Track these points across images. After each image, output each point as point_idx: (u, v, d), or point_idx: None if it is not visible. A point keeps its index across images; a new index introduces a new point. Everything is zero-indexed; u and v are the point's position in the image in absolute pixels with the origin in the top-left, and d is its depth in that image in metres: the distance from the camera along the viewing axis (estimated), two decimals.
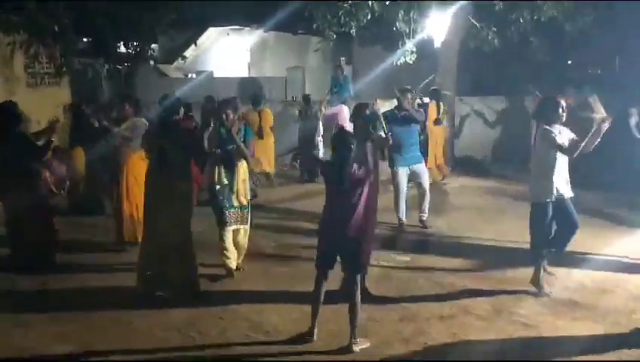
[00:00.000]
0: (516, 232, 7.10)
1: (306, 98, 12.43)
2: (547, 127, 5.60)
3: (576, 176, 5.94)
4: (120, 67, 14.08)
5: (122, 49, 14.15)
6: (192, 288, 5.71)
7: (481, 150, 13.65)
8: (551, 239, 5.75)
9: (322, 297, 4.77)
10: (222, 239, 6.13)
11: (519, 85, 13.05)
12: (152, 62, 15.68)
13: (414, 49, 12.36)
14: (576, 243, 5.96)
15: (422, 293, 5.80)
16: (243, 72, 19.10)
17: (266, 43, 19.99)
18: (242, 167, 6.24)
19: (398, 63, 12.70)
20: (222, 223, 6.14)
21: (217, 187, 6.11)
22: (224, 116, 6.14)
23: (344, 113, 11.74)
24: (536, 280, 5.72)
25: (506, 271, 6.37)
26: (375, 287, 5.76)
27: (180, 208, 5.66)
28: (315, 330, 4.76)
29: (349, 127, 6.44)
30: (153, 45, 15.28)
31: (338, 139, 4.77)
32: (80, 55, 13.19)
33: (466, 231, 8.06)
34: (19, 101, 11.34)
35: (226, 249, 6.14)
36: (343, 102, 12.66)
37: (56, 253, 6.69)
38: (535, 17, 11.69)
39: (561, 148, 5.49)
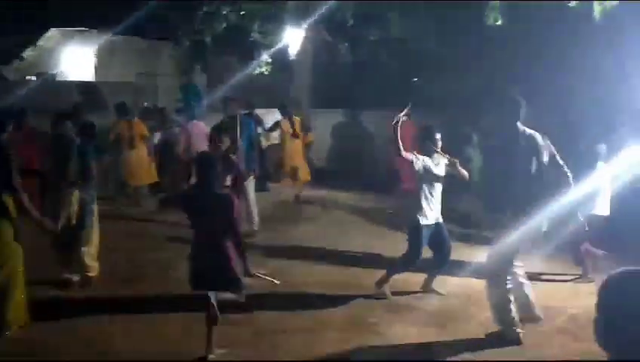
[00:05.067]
0: (363, 242, 7.25)
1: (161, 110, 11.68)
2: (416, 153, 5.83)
3: None
4: None
5: None
6: None
7: (335, 163, 13.87)
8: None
9: None
10: None
11: (368, 100, 13.47)
12: None
13: (270, 60, 12.40)
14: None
15: (277, 305, 5.69)
16: (89, 76, 18.05)
17: (114, 46, 19.05)
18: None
19: (254, 74, 12.67)
20: None
21: None
22: None
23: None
24: (382, 284, 5.98)
25: (360, 280, 6.47)
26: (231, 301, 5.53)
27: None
28: None
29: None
30: None
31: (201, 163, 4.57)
32: None
33: (321, 241, 8.11)
34: None
35: None
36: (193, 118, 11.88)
37: None
38: (384, 36, 12.22)
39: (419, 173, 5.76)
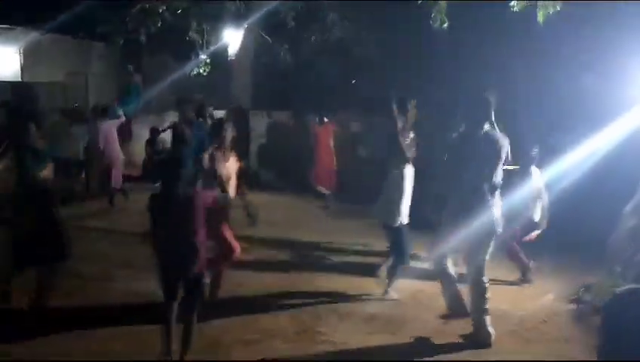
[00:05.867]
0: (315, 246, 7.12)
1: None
2: None
3: None
4: None
5: None
6: None
7: (272, 164, 13.67)
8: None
9: None
10: None
11: (307, 101, 13.35)
12: None
13: (208, 60, 12.09)
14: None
15: (223, 316, 5.46)
16: (14, 77, 17.12)
17: (40, 45, 18.15)
18: None
19: (192, 74, 12.33)
20: None
21: None
22: None
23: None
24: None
25: (309, 285, 6.34)
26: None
27: None
28: None
29: None
30: None
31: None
32: None
33: (264, 246, 7.92)
34: None
35: None
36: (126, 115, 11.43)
37: None
38: (325, 38, 12.13)
39: None
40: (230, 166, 5.55)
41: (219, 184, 5.36)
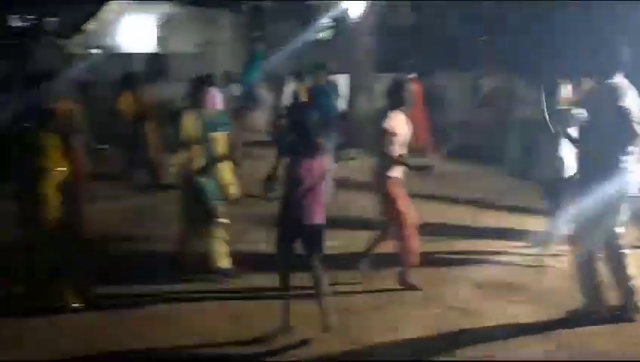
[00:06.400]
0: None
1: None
2: None
3: None
4: (15, 42, 12.96)
5: (18, 23, 13.03)
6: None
7: None
8: None
9: None
10: None
11: (432, 63, 12.98)
12: (50, 37, 14.55)
13: (332, 24, 12.06)
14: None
15: (353, 281, 5.52)
16: (150, 48, 18.13)
17: (174, 17, 19.03)
18: None
19: (315, 39, 12.37)
20: None
21: None
22: None
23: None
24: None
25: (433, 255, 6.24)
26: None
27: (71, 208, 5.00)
28: None
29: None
30: (52, 19, 14.16)
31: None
32: None
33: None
34: None
35: None
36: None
37: None
38: None
39: None
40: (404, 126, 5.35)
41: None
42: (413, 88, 10.27)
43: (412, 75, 10.42)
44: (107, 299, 5.10)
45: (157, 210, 7.79)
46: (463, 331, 4.62)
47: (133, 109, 8.97)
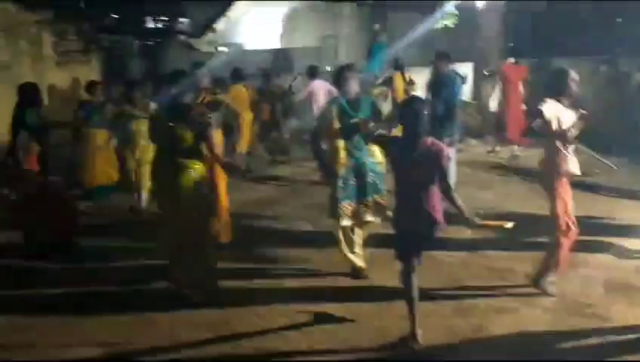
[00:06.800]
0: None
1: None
2: None
3: None
4: (150, 43, 13.76)
5: (151, 24, 13.81)
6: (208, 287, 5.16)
7: None
8: None
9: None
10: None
11: (564, 48, 12.17)
12: (182, 37, 15.30)
13: (455, 11, 11.67)
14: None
15: (477, 282, 5.28)
16: (274, 44, 18.56)
17: (297, 12, 19.36)
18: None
19: (438, 28, 12.03)
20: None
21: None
22: None
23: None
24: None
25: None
26: (422, 275, 4.79)
27: (197, 202, 5.07)
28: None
29: None
30: (183, 19, 14.88)
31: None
32: (108, 31, 12.89)
33: (522, 207, 7.36)
34: (49, 80, 11.28)
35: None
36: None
37: (72, 239, 6.38)
38: None
39: None
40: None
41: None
42: (512, 73, 9.92)
43: (511, 60, 9.98)
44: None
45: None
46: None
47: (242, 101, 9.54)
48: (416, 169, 4.09)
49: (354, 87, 5.27)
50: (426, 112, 4.09)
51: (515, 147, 10.17)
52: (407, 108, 4.18)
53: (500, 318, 4.61)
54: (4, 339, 4.56)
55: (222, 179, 6.04)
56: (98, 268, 5.96)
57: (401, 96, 10.30)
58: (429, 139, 4.10)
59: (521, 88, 10.06)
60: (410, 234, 4.24)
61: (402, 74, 10.76)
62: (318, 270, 5.64)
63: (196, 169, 5.03)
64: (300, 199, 8.30)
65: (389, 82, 10.79)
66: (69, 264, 6.01)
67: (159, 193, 5.33)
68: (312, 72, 10.06)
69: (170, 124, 4.98)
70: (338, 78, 5.40)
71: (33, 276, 5.78)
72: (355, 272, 5.40)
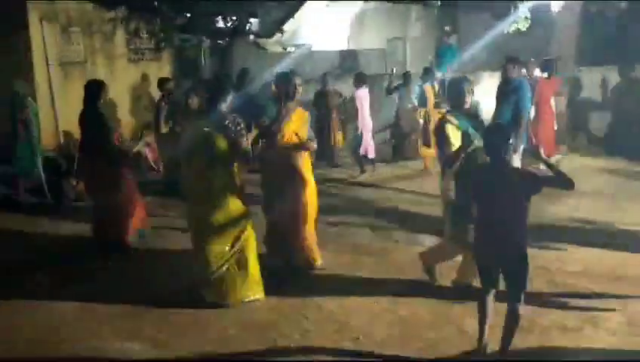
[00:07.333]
0: None
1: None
2: None
3: None
4: (221, 42, 13.94)
5: (221, 24, 13.99)
6: None
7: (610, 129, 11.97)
8: None
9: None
10: None
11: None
12: (251, 37, 15.44)
13: (528, 15, 11.28)
14: None
15: (539, 298, 4.97)
16: (342, 45, 18.51)
17: (364, 13, 19.26)
18: None
19: (509, 31, 11.66)
20: None
21: None
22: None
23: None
24: None
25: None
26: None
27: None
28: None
29: None
30: (253, 20, 15.02)
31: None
32: (181, 30, 13.15)
33: (592, 217, 7.06)
34: (121, 77, 11.61)
35: None
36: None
37: (127, 236, 6.54)
38: None
39: None
40: None
41: None
42: (545, 88, 9.21)
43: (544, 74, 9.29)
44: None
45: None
46: None
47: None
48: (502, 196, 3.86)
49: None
50: (511, 141, 3.86)
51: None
52: (492, 136, 3.96)
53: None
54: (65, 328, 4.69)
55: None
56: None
57: (432, 109, 9.66)
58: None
59: (552, 103, 9.48)
60: (494, 268, 4.00)
61: (432, 86, 10.06)
62: None
63: None
64: None
65: (422, 96, 10.08)
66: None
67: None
68: (360, 80, 9.78)
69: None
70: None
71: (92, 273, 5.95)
72: None
